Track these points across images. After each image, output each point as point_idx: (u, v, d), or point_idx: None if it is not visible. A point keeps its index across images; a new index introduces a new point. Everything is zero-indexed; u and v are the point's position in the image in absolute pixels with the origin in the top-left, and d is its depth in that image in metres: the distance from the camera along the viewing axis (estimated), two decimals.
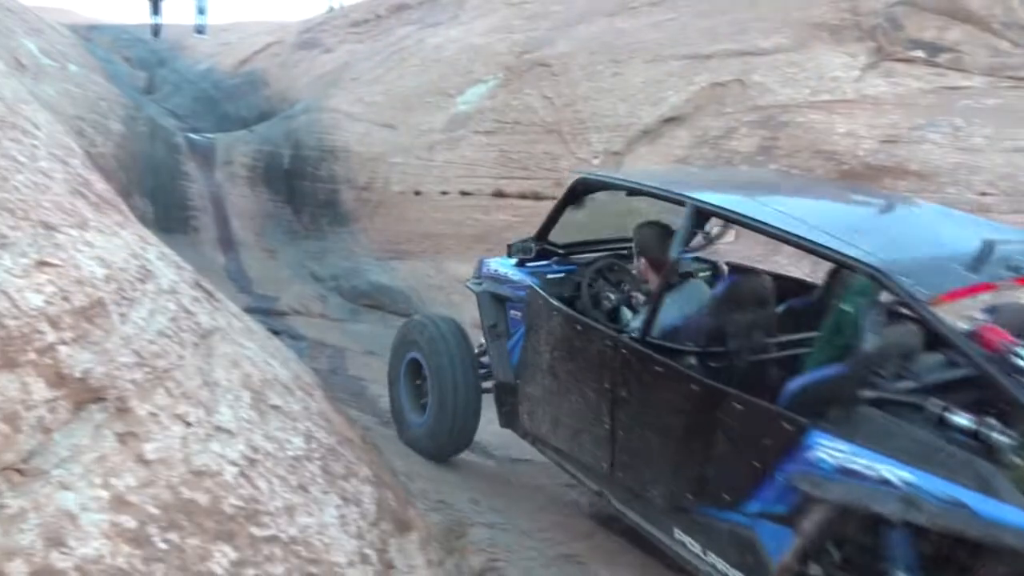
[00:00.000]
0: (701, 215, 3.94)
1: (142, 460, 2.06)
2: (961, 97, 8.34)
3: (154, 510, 1.98)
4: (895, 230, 3.86)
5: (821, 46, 9.20)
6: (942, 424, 2.87)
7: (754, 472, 3.43)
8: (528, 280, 4.97)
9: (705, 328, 3.97)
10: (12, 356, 1.89)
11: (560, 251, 5.32)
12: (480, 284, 5.48)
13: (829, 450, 3.02)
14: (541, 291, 4.78)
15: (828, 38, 9.27)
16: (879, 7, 9.23)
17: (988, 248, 3.09)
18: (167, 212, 14.04)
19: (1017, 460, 2.66)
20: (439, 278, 10.28)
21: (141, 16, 28.67)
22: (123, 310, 2.48)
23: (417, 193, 11.53)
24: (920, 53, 8.80)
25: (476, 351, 5.32)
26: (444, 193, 11.03)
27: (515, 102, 11.15)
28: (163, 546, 1.97)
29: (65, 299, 2.22)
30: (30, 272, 2.20)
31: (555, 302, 4.62)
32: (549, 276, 5.04)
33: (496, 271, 5.39)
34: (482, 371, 5.27)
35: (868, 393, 3.06)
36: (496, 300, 5.31)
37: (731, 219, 3.92)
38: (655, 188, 4.44)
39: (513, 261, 5.25)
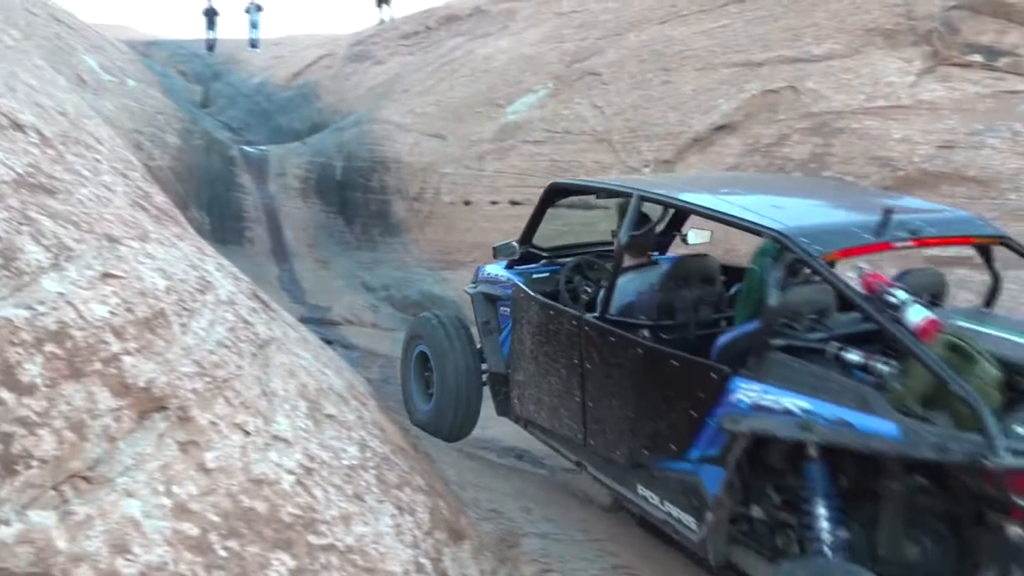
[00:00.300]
0: (642, 202, 4.47)
1: (203, 468, 2.09)
2: (1021, 101, 8.16)
3: (215, 518, 2.00)
4: (817, 206, 4.46)
5: (875, 51, 9.06)
6: (839, 362, 3.41)
7: (693, 421, 3.87)
8: (515, 279, 5.43)
9: (656, 303, 4.43)
10: (78, 366, 1.93)
11: (545, 254, 5.81)
12: (475, 287, 5.97)
13: (745, 392, 3.52)
14: (523, 285, 5.26)
15: (883, 43, 9.14)
16: (935, 11, 9.07)
17: (888, 215, 3.54)
18: (223, 223, 14.30)
19: (897, 386, 3.17)
20: None
21: (197, 31, 29.27)
22: (184, 321, 2.53)
23: (467, 203, 11.59)
24: (977, 57, 8.62)
25: (478, 346, 5.73)
26: (494, 203, 11.07)
27: (565, 111, 11.16)
28: (223, 553, 2.00)
29: (128, 310, 2.27)
30: (95, 284, 2.25)
31: (533, 292, 5.11)
32: (534, 275, 5.51)
33: (489, 274, 5.87)
34: (483, 363, 5.67)
35: (778, 342, 3.57)
36: (488, 300, 5.81)
37: (665, 203, 4.69)
38: (608, 185, 5.10)
39: (504, 265, 5.69)
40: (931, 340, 3.20)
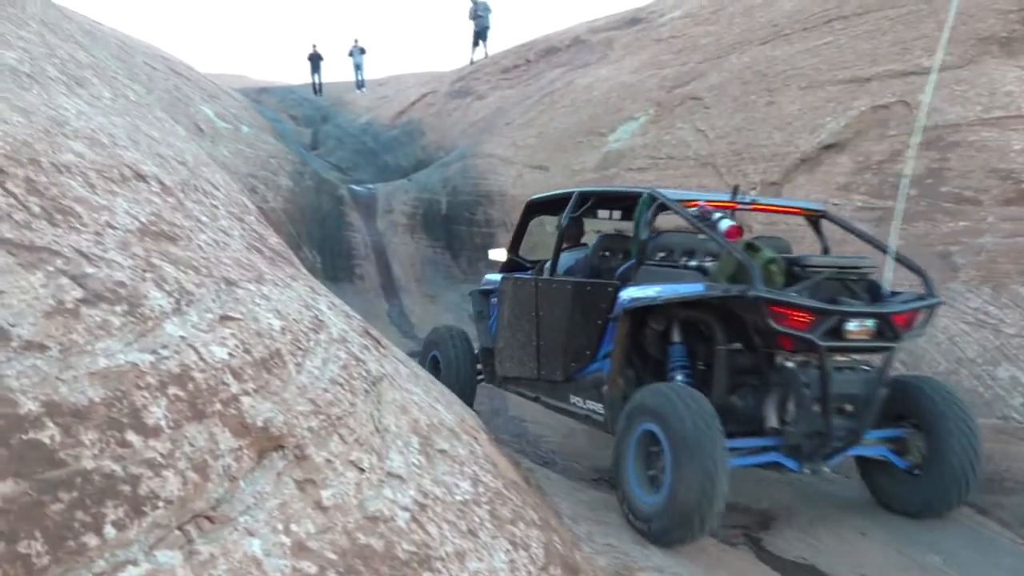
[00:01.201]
0: (580, 198, 6.65)
1: (320, 506, 2.12)
2: None
3: (332, 555, 2.02)
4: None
5: (991, 61, 8.71)
6: (686, 268, 5.56)
7: (599, 328, 5.90)
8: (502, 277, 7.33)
9: (586, 264, 6.65)
10: (200, 408, 1.99)
11: (528, 264, 7.66)
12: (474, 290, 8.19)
13: (628, 293, 5.55)
14: (506, 276, 7.25)
15: (998, 52, 8.78)
16: None
17: (736, 187, 6.01)
18: (334, 261, 14.69)
19: (717, 273, 5.07)
20: None
21: (305, 76, 30.33)
22: (298, 360, 2.58)
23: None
24: None
25: (476, 351, 7.60)
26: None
27: (667, 137, 11.08)
28: None
29: (246, 351, 2.33)
30: (214, 327, 2.32)
31: (509, 275, 7.18)
32: (517, 276, 7.20)
33: (487, 279, 7.91)
34: (478, 366, 7.60)
35: (651, 263, 5.74)
36: (483, 295, 7.89)
37: (594, 194, 6.78)
38: (562, 193, 7.19)
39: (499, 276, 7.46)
40: (734, 239, 5.13)
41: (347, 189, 17.53)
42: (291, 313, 2.85)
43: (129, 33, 20.64)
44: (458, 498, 2.77)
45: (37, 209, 2.18)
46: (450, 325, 7.95)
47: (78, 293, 1.95)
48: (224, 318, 2.41)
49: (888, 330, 4.95)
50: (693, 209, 5.42)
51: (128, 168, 2.99)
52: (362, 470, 2.40)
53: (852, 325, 4.80)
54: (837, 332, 4.76)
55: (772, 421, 5.12)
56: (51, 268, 1.97)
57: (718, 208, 5.46)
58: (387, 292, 14.31)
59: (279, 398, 2.30)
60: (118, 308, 2.03)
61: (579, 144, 12.95)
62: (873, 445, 5.40)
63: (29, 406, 1.59)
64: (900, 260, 5.83)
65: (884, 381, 5.15)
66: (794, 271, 5.03)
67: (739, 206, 5.81)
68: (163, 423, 1.85)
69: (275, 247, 3.94)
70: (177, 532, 1.70)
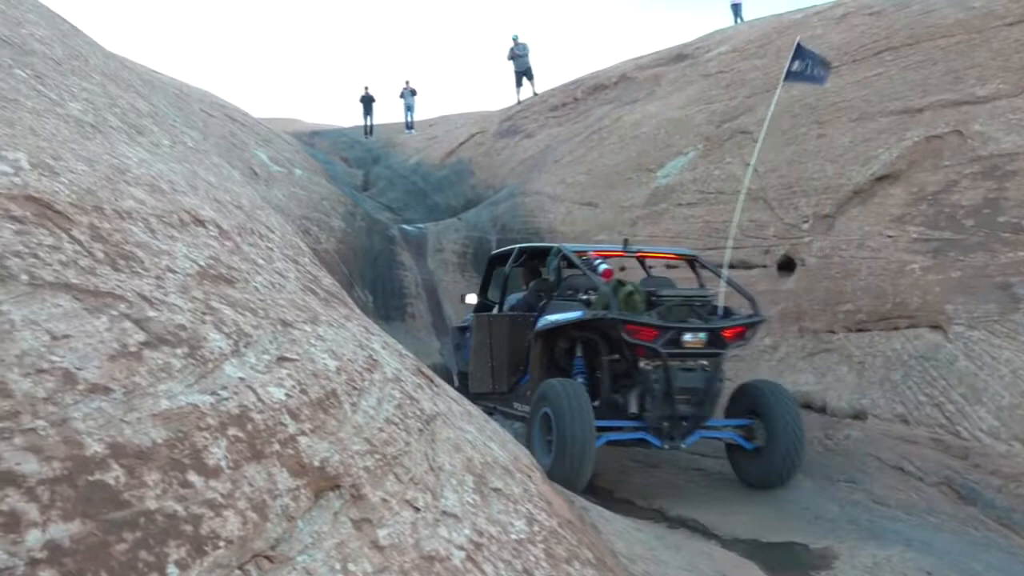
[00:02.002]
0: (520, 252, 8.87)
1: (376, 546, 2.13)
2: None
3: None
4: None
5: None
6: (579, 301, 7.36)
7: (527, 349, 7.98)
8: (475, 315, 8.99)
9: (525, 303, 8.58)
10: (259, 448, 2.01)
11: (494, 304, 9.29)
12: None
13: (541, 321, 7.55)
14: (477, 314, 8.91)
15: None
16: None
17: (626, 241, 8.47)
18: (385, 301, 14.83)
19: (596, 303, 6.95)
20: None
21: (356, 119, 30.82)
22: (354, 400, 2.61)
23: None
24: None
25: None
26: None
27: (717, 172, 11.04)
28: None
29: (303, 392, 2.36)
30: (272, 368, 2.36)
31: (477, 314, 8.92)
32: (480, 314, 8.86)
33: (465, 318, 9.74)
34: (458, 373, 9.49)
35: (559, 299, 7.70)
36: (459, 330, 9.75)
37: (527, 250, 8.95)
38: (509, 248, 9.11)
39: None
40: (608, 279, 7.07)
41: (398, 229, 17.73)
42: (346, 353, 2.88)
43: (186, 80, 21.20)
44: (513, 537, 2.76)
45: (101, 255, 2.24)
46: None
47: (141, 336, 2.00)
48: (281, 359, 2.45)
49: (718, 341, 6.93)
50: (585, 258, 7.52)
51: (187, 213, 3.06)
52: (417, 509, 2.41)
53: (688, 337, 6.77)
54: (676, 342, 6.75)
55: (633, 408, 7.11)
56: (115, 312, 2.02)
57: (605, 257, 7.62)
58: (438, 330, 14.39)
59: (335, 438, 2.33)
60: (179, 351, 2.07)
61: (628, 180, 12.96)
62: (727, 431, 7.37)
63: (95, 448, 1.63)
64: (732, 285, 7.72)
65: (719, 378, 7.20)
66: (652, 300, 6.99)
67: (627, 255, 8.18)
68: (223, 464, 1.87)
69: (329, 288, 4.00)
70: (238, 572, 1.72)
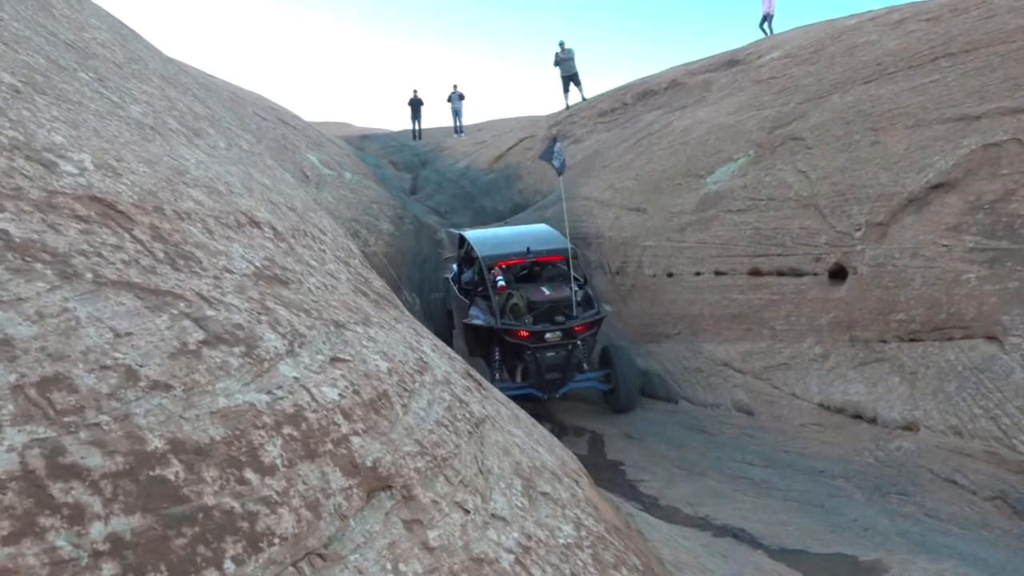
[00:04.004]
0: (461, 239, 12.53)
1: (427, 547, 2.14)
2: None
3: None
4: (506, 239, 11.74)
5: None
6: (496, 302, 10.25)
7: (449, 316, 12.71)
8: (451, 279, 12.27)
9: (458, 281, 12.09)
10: (313, 447, 2.04)
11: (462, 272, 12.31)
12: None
13: (470, 314, 10.49)
14: (451, 280, 12.22)
15: None
16: None
17: (528, 249, 11.01)
18: (433, 303, 14.85)
19: (497, 308, 10.06)
20: (697, 360, 10.10)
21: (405, 122, 31.02)
22: (405, 401, 2.63)
23: (670, 275, 11.49)
24: None
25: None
26: (698, 274, 10.92)
27: (768, 178, 10.92)
28: None
29: (356, 392, 2.38)
30: (325, 368, 2.38)
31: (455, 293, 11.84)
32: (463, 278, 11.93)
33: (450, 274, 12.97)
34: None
35: (481, 292, 10.82)
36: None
37: (465, 240, 12.12)
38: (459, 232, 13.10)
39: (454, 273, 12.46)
40: (503, 292, 10.02)
41: (446, 233, 17.80)
42: (397, 355, 2.90)
43: (240, 84, 21.48)
44: (561, 541, 2.75)
45: (161, 254, 2.28)
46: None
47: (200, 335, 2.04)
48: (334, 360, 2.47)
49: (570, 334, 9.91)
50: (491, 274, 10.48)
51: (243, 215, 3.11)
52: (467, 511, 2.42)
53: (548, 335, 9.84)
54: (541, 338, 9.82)
55: (518, 377, 10.16)
56: (175, 311, 2.06)
57: (510, 265, 10.89)
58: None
59: (387, 439, 2.34)
60: (236, 349, 2.10)
61: (677, 186, 12.87)
62: (590, 381, 10.44)
63: (156, 443, 1.66)
64: (583, 287, 10.74)
65: (576, 357, 10.09)
66: (531, 305, 10.14)
67: (525, 260, 10.99)
68: (278, 462, 1.90)
69: (379, 290, 4.03)
70: (291, 569, 1.74)
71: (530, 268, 11.15)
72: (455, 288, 11.75)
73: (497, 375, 10.25)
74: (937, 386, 7.24)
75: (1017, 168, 8.14)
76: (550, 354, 9.93)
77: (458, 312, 11.25)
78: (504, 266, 10.68)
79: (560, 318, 9.99)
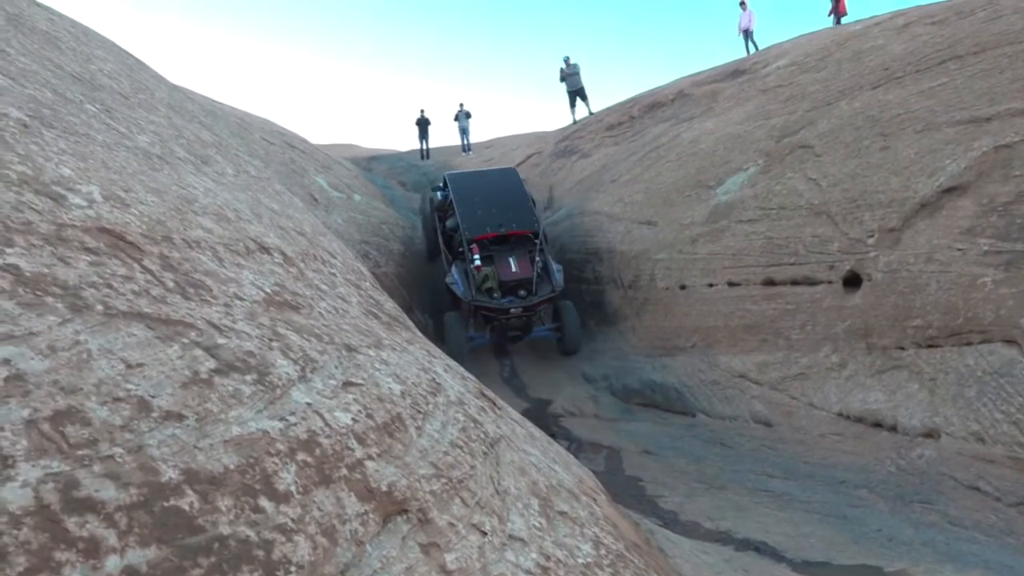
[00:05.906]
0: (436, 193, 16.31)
1: (444, 570, 2.12)
2: None
3: None
4: (484, 198, 14.84)
5: None
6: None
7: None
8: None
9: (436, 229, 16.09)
10: (327, 473, 2.03)
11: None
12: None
13: (449, 278, 13.62)
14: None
15: None
16: None
17: (500, 226, 13.98)
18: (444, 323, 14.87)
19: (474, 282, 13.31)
20: (713, 373, 10.04)
21: (413, 142, 31.12)
22: (419, 423, 2.61)
23: (683, 287, 11.46)
24: None
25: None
26: (711, 285, 10.88)
27: (778, 187, 10.89)
28: None
29: (369, 416, 2.37)
30: (338, 393, 2.38)
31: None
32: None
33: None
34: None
35: (461, 260, 13.98)
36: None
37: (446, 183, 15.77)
38: (437, 194, 16.25)
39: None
40: (479, 271, 13.12)
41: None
42: (410, 377, 2.89)
43: (247, 109, 21.61)
44: (580, 561, 2.73)
45: (171, 284, 2.28)
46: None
47: (211, 364, 2.04)
48: (347, 384, 2.46)
49: (530, 309, 12.81)
50: (471, 254, 13.35)
51: (252, 241, 3.11)
52: (484, 533, 2.40)
53: (513, 309, 12.68)
54: (506, 312, 12.72)
55: (488, 333, 13.22)
56: (186, 340, 2.06)
57: (484, 239, 13.62)
58: (498, 351, 14.38)
59: (401, 462, 2.33)
60: (248, 377, 2.10)
61: (687, 198, 12.86)
62: (544, 331, 13.47)
63: (170, 474, 1.65)
64: (543, 272, 13.44)
65: (532, 322, 13.16)
66: (501, 282, 13.01)
67: (499, 234, 13.65)
68: (293, 489, 1.89)
69: (391, 312, 4.03)
70: None
71: (503, 238, 13.90)
72: (439, 226, 15.14)
73: (471, 329, 13.43)
74: (957, 392, 7.18)
75: None
76: (513, 321, 13.02)
77: (440, 243, 14.95)
78: (482, 240, 13.59)
79: (523, 293, 12.98)
